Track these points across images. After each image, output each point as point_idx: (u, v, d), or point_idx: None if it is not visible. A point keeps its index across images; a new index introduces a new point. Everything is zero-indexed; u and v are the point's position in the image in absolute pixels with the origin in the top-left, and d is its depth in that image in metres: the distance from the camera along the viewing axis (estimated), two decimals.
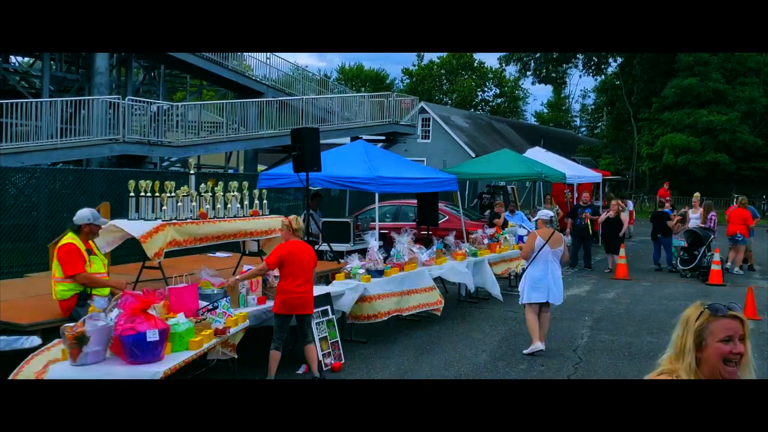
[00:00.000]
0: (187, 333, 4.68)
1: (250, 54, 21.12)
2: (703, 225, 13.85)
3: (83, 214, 5.67)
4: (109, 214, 8.28)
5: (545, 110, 69.79)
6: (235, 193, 7.28)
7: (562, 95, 67.80)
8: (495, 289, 9.94)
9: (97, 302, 5.27)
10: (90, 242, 5.71)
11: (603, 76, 47.26)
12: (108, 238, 6.25)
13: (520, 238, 11.48)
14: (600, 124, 57.70)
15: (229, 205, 7.14)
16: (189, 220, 6.48)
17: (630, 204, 23.00)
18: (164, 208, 6.36)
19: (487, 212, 17.07)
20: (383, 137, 24.65)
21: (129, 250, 7.94)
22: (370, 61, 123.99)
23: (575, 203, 14.99)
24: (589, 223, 14.05)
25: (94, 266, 5.64)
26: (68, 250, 5.47)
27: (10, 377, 4.35)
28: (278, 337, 6.08)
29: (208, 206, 6.83)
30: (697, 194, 15.47)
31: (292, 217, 6.39)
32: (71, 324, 4.36)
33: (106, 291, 5.65)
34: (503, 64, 51.29)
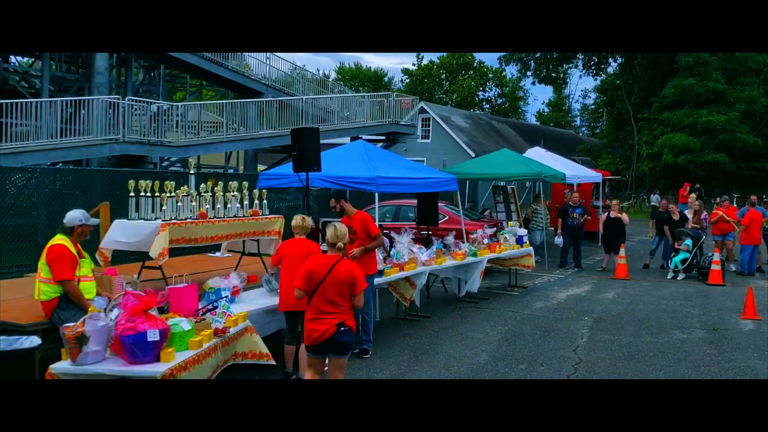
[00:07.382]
0: (187, 333, 4.68)
1: (250, 54, 21.13)
2: (695, 225, 13.82)
3: (74, 216, 5.55)
4: (109, 214, 8.27)
5: (546, 110, 69.80)
6: (235, 193, 7.28)
7: (563, 95, 67.79)
8: (474, 285, 9.99)
9: (97, 302, 5.25)
10: (78, 245, 5.65)
11: (603, 76, 47.28)
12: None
13: (520, 238, 11.46)
14: (600, 124, 57.70)
15: (229, 205, 7.14)
16: (190, 220, 6.49)
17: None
18: (164, 208, 6.36)
19: (487, 211, 17.11)
20: (383, 137, 24.65)
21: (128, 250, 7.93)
22: (366, 58, 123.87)
23: (566, 203, 14.96)
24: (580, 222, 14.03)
25: (83, 270, 5.58)
26: (60, 253, 5.34)
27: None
28: (289, 331, 6.36)
29: (207, 206, 6.84)
30: (693, 195, 15.42)
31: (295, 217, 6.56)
32: (71, 324, 4.35)
33: (93, 293, 5.62)
34: (503, 64, 51.34)
